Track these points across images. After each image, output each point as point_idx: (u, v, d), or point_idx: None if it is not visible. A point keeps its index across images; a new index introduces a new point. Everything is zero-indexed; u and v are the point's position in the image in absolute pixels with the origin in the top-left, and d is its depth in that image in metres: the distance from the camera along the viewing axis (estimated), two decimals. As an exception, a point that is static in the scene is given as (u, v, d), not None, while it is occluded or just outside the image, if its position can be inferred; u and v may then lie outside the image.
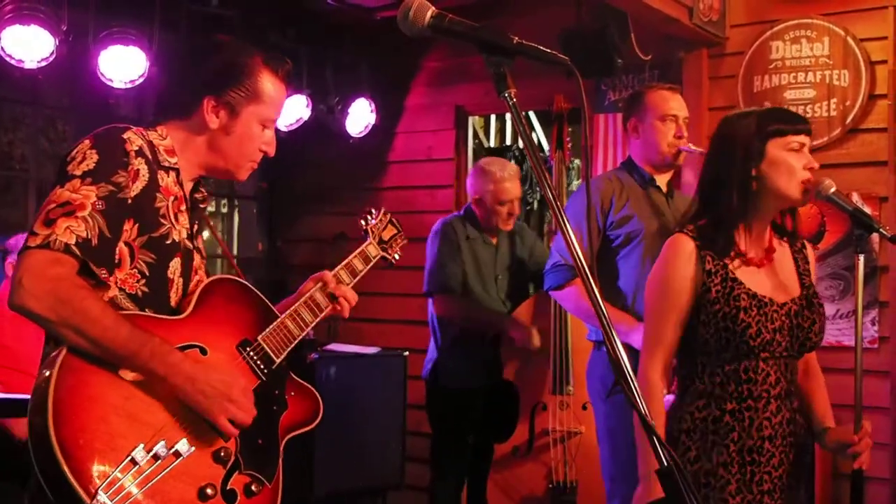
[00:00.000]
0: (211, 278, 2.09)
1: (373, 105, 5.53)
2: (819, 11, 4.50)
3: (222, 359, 2.01)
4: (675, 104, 3.49)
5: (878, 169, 4.35)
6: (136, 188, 1.92)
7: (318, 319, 2.25)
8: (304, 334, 2.20)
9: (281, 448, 2.12)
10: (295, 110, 5.15)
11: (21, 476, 4.30)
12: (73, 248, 1.80)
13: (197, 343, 1.97)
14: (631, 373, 1.42)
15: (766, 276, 2.50)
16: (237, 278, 2.15)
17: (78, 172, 1.87)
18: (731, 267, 2.45)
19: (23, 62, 4.20)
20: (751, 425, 2.40)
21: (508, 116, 6.76)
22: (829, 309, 4.33)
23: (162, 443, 1.84)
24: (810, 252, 2.65)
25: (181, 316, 1.99)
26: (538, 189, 6.42)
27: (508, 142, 6.96)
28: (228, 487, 1.96)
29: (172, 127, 2.08)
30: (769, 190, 2.44)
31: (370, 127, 5.57)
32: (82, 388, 1.80)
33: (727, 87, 4.70)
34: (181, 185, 2.08)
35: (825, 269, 4.39)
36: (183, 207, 2.07)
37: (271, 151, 2.17)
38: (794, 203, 2.50)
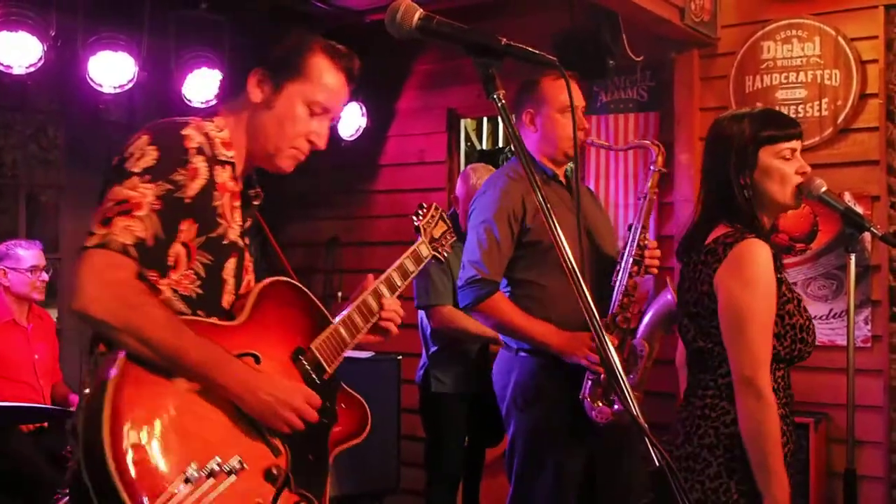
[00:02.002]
0: (266, 282, 2.00)
1: (364, 108, 5.52)
2: (810, 11, 4.50)
3: (276, 367, 1.95)
4: (575, 94, 3.25)
5: (870, 168, 4.35)
6: (195, 187, 1.87)
7: (369, 326, 2.19)
8: (355, 342, 2.14)
9: (330, 463, 2.07)
10: (286, 114, 5.14)
11: (13, 486, 4.27)
12: (130, 248, 1.76)
13: (252, 351, 1.91)
14: (622, 371, 1.42)
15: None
16: (291, 280, 2.07)
17: (137, 169, 1.81)
18: (784, 276, 2.45)
19: (11, 68, 4.19)
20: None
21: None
22: (822, 308, 4.34)
23: (216, 460, 1.78)
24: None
25: (236, 322, 1.92)
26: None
27: (501, 144, 6.95)
28: None
29: (226, 113, 2.03)
30: (763, 197, 2.43)
31: (361, 130, 5.56)
32: (138, 401, 1.73)
33: (719, 87, 4.70)
34: (236, 179, 2.01)
35: (818, 269, 4.39)
36: (237, 203, 2.00)
37: (320, 143, 2.06)
38: (788, 209, 2.49)
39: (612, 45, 4.51)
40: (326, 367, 2.05)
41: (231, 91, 2.05)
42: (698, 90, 4.72)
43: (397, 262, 2.30)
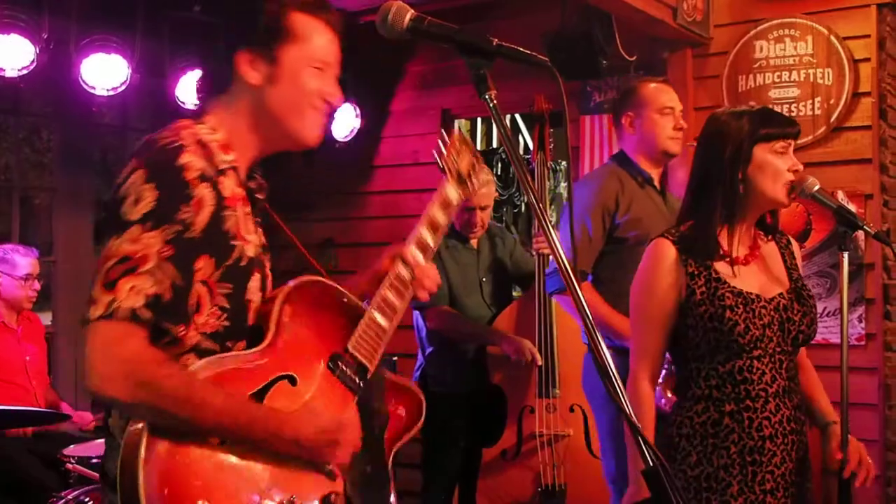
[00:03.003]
0: (287, 288, 1.82)
1: (358, 110, 5.51)
2: (802, 10, 4.51)
3: (314, 384, 1.80)
4: (671, 97, 3.50)
5: (863, 167, 4.36)
6: (203, 220, 1.68)
7: (406, 302, 1.96)
8: (395, 325, 1.93)
9: (390, 465, 1.94)
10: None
11: (7, 490, 4.27)
12: (142, 311, 1.59)
13: (286, 373, 1.76)
14: (616, 374, 1.42)
15: (753, 273, 2.50)
16: (313, 278, 1.89)
17: (136, 217, 1.62)
18: (715, 267, 2.45)
19: (4, 71, 4.18)
20: (750, 426, 2.40)
21: (494, 119, 6.75)
22: (817, 307, 4.34)
23: None
24: (796, 247, 2.66)
25: (263, 344, 1.75)
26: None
27: (496, 145, 6.96)
28: None
29: (219, 111, 1.85)
30: (755, 192, 2.45)
31: (355, 131, 5.56)
32: (175, 470, 1.60)
33: (712, 86, 4.71)
34: (242, 182, 1.84)
35: (812, 268, 4.40)
36: (248, 209, 1.84)
37: (336, 100, 1.89)
38: (779, 205, 2.51)
39: (605, 45, 4.51)
40: (368, 365, 1.89)
41: (217, 86, 1.88)
42: (691, 89, 4.73)
43: (425, 216, 2.03)
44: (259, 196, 1.91)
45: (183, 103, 4.63)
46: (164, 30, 4.66)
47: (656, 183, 3.52)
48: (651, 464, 1.36)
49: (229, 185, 1.78)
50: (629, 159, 3.51)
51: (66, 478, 3.87)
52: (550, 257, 3.51)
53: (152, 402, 1.60)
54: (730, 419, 2.40)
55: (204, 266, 1.70)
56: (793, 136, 2.49)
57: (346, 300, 1.92)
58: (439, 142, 2.11)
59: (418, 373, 4.33)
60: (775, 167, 2.44)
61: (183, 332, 1.67)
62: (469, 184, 2.12)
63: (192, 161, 1.69)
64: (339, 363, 1.85)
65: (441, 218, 2.05)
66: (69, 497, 3.65)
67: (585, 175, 3.71)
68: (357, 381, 1.87)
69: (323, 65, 1.86)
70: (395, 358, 4.99)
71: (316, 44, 1.85)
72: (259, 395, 1.72)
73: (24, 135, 5.64)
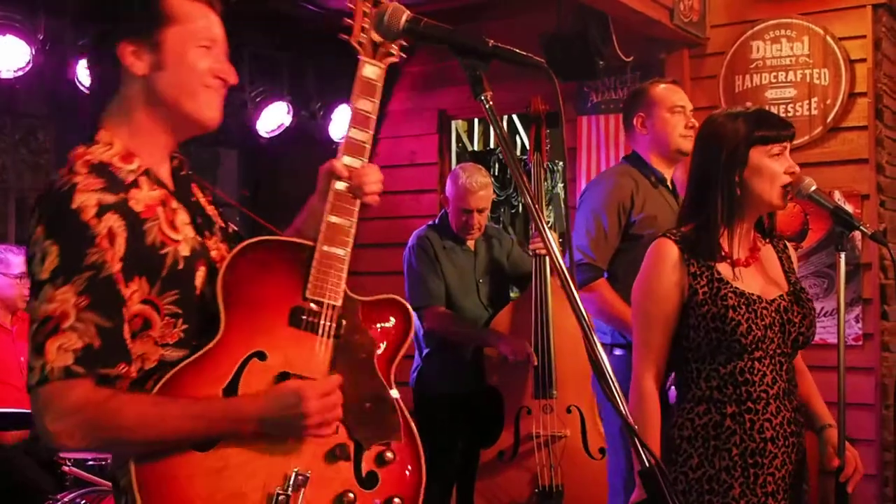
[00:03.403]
0: (223, 266, 1.76)
1: (355, 110, 5.50)
2: (798, 11, 4.52)
3: (286, 350, 1.75)
4: (682, 96, 3.51)
5: (860, 167, 4.37)
6: (119, 249, 1.64)
7: (354, 224, 1.86)
8: (350, 247, 1.83)
9: (391, 391, 1.86)
10: (277, 117, 5.14)
11: (3, 493, 4.25)
12: (74, 368, 1.58)
13: (251, 351, 1.73)
14: (611, 373, 1.42)
15: (753, 274, 2.50)
16: (247, 242, 1.81)
17: (45, 276, 1.60)
18: (717, 267, 2.45)
19: (-1, 72, 4.18)
20: (752, 428, 2.39)
21: (491, 120, 6.75)
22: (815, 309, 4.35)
23: (278, 489, 1.69)
24: (793, 252, 2.66)
25: (219, 335, 1.72)
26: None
27: (492, 146, 6.96)
28: (364, 474, 1.79)
29: (111, 120, 1.78)
30: (751, 195, 2.45)
31: (352, 132, 5.54)
32: (172, 493, 1.63)
33: (709, 87, 4.71)
34: (158, 180, 1.78)
35: (809, 268, 4.40)
36: (174, 204, 1.78)
37: (230, 76, 1.82)
38: (775, 208, 2.51)
39: (602, 46, 4.52)
40: (334, 301, 1.80)
41: (107, 86, 1.80)
42: (688, 90, 4.71)
43: (351, 111, 1.92)
44: (183, 173, 1.87)
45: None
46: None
47: (669, 183, 3.53)
48: (648, 465, 1.35)
49: (143, 196, 1.72)
50: (642, 159, 3.51)
51: (62, 480, 3.86)
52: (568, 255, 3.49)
53: (115, 439, 1.63)
54: (731, 421, 2.39)
55: (138, 288, 1.68)
56: (788, 139, 2.49)
57: (291, 248, 1.83)
58: (347, 20, 1.92)
59: (415, 374, 4.33)
60: (771, 170, 2.44)
61: (125, 370, 1.65)
62: (390, 49, 1.93)
63: (86, 199, 1.62)
64: (302, 315, 1.78)
65: (367, 105, 1.92)
66: (65, 500, 3.64)
67: (598, 174, 3.72)
68: (327, 323, 1.79)
69: (209, 42, 1.80)
70: (393, 359, 4.99)
71: (198, 23, 1.79)
72: (232, 387, 1.71)
73: (20, 136, 5.63)
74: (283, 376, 1.74)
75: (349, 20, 1.92)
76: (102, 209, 1.63)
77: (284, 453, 1.72)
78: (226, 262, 1.76)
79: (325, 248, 1.81)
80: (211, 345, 1.72)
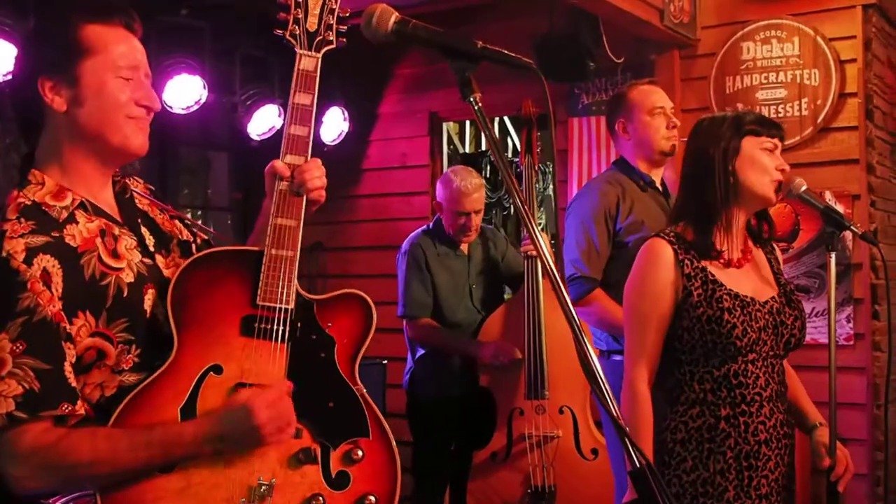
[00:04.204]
0: (170, 285, 1.74)
1: (346, 113, 5.51)
2: (788, 12, 4.53)
3: (242, 360, 1.74)
4: (660, 96, 3.50)
5: (850, 167, 4.38)
6: (56, 288, 1.63)
7: (301, 223, 1.82)
8: (298, 248, 1.80)
9: (356, 387, 1.84)
10: (267, 120, 5.13)
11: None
12: (17, 413, 1.58)
13: (208, 364, 1.72)
14: (602, 375, 1.42)
15: (746, 276, 2.50)
16: (194, 256, 1.81)
17: None
18: (710, 269, 2.45)
19: (-12, 76, 4.16)
20: (746, 430, 2.39)
21: (483, 122, 6.75)
22: (805, 307, 4.35)
23: (243, 500, 1.70)
24: (779, 254, 2.67)
25: (172, 354, 1.71)
26: (514, 194, 6.40)
27: (483, 147, 6.96)
28: (333, 475, 1.77)
29: (42, 158, 1.77)
30: (743, 187, 2.46)
31: (344, 135, 5.55)
32: None
33: (699, 88, 4.72)
34: (99, 211, 1.77)
35: (800, 268, 4.41)
36: (116, 231, 1.77)
37: (153, 103, 1.78)
38: (766, 201, 2.51)
39: (593, 48, 4.52)
40: (285, 304, 1.77)
41: (29, 124, 1.78)
42: (679, 91, 4.74)
43: (289, 107, 1.87)
44: (126, 196, 1.85)
45: (171, 107, 4.61)
46: (152, 34, 4.64)
47: (658, 185, 3.52)
48: (638, 465, 1.35)
49: (79, 230, 1.71)
50: (629, 165, 3.51)
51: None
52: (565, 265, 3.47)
53: (75, 477, 1.64)
54: (725, 424, 2.39)
55: (84, 322, 1.67)
56: (778, 137, 2.51)
57: (238, 256, 1.81)
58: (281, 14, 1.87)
59: (408, 376, 4.34)
60: (762, 162, 2.46)
61: (69, 409, 1.63)
62: (326, 36, 1.91)
63: (13, 246, 1.62)
64: (253, 323, 1.76)
65: (306, 99, 1.87)
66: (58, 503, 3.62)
67: (585, 184, 3.72)
68: (280, 328, 1.76)
69: (129, 70, 1.76)
70: (385, 361, 5.00)
71: (115, 52, 1.75)
72: (190, 404, 1.70)
73: (10, 140, 5.60)
74: (239, 387, 1.73)
75: (284, 14, 1.88)
76: (31, 252, 1.62)
77: (247, 464, 1.71)
78: (172, 281, 1.74)
79: (273, 251, 1.78)
80: (166, 365, 1.71)
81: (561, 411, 3.93)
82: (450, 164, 5.90)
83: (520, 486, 3.92)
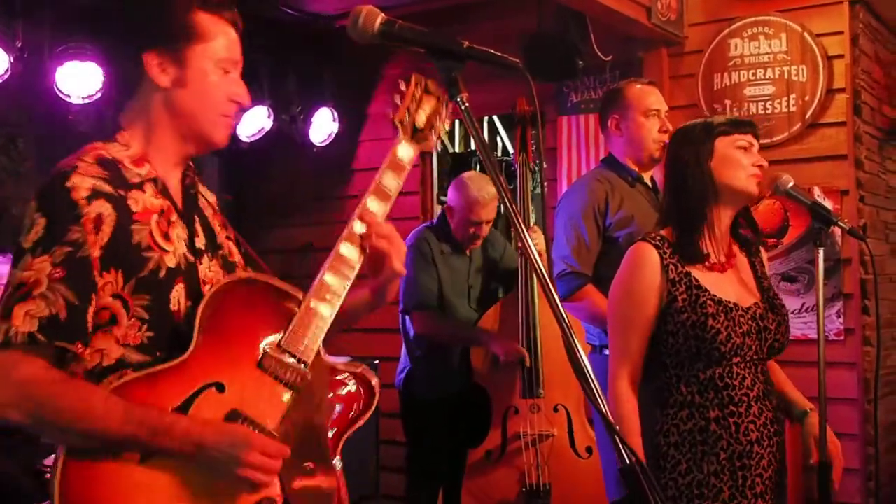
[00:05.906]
0: (211, 292, 1.76)
1: (335, 114, 5.50)
2: (776, 8, 4.54)
3: (245, 387, 1.73)
4: (657, 98, 3.49)
5: (838, 163, 4.40)
6: (103, 237, 1.68)
7: (350, 282, 1.85)
8: (335, 310, 1.81)
9: (335, 460, 1.85)
10: (257, 121, 5.12)
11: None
12: (38, 335, 1.61)
13: (213, 380, 1.71)
14: (591, 373, 1.43)
15: (730, 281, 2.52)
16: (240, 276, 1.86)
17: (28, 245, 1.66)
18: (694, 274, 2.45)
19: (-23, 80, 4.15)
20: (737, 431, 2.41)
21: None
22: (795, 303, 4.37)
23: None
24: (764, 255, 2.68)
25: (185, 355, 1.70)
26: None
27: (473, 147, 6.96)
28: None
29: (132, 124, 1.83)
30: (721, 184, 2.47)
31: (333, 135, 5.55)
32: (90, 495, 1.62)
33: (687, 85, 4.73)
34: (165, 192, 1.82)
35: (789, 264, 4.43)
36: (174, 217, 1.81)
37: (244, 99, 1.87)
38: (748, 196, 2.52)
39: (581, 46, 4.53)
40: (305, 357, 1.78)
41: (125, 89, 1.86)
42: (667, 89, 4.74)
43: (374, 183, 1.93)
44: (193, 192, 1.90)
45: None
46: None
47: (647, 181, 3.52)
48: (628, 462, 1.36)
49: (144, 199, 1.77)
50: (618, 162, 3.50)
51: (46, 487, 3.83)
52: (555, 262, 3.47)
53: (55, 422, 1.62)
54: (716, 425, 2.40)
55: (112, 280, 1.70)
56: (752, 133, 2.53)
57: (280, 294, 1.83)
58: (395, 93, 1.94)
59: (402, 375, 4.33)
60: (736, 158, 2.48)
61: (81, 351, 1.66)
62: (428, 136, 1.95)
63: (80, 181, 1.69)
64: (271, 360, 1.76)
65: (391, 183, 1.94)
66: (50, 508, 3.62)
67: (574, 181, 3.72)
68: (292, 376, 1.77)
69: (229, 64, 1.85)
70: (377, 361, 4.99)
71: (221, 43, 1.84)
72: (184, 408, 1.69)
73: (0, 142, 5.59)
74: (234, 414, 1.71)
75: (397, 99, 1.94)
76: (95, 194, 1.69)
77: (212, 496, 1.68)
78: (217, 287, 1.77)
79: (312, 303, 1.81)
80: (174, 362, 1.70)
81: (556, 410, 3.94)
82: (440, 163, 5.90)
83: (515, 485, 3.92)
